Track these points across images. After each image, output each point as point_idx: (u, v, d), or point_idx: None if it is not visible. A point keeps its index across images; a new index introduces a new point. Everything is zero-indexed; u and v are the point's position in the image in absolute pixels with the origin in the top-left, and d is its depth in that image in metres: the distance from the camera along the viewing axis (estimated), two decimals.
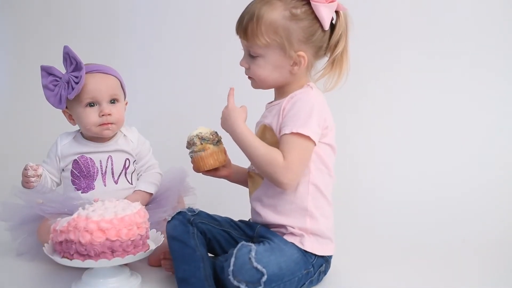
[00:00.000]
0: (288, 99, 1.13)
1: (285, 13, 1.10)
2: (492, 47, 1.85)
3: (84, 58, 1.36)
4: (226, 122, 1.14)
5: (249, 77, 1.19)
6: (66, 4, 2.25)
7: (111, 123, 1.38)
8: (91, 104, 1.36)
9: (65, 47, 1.34)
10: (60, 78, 1.35)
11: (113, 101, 1.38)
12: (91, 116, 1.36)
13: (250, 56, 1.15)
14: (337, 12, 1.13)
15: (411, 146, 1.85)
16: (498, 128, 1.83)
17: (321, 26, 1.12)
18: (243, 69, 1.19)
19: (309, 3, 1.10)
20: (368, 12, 1.90)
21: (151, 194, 1.44)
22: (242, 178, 1.28)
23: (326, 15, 1.10)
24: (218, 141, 1.20)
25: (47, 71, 1.37)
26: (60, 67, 1.37)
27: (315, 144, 1.10)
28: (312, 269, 1.13)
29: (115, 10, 2.20)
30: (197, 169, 1.22)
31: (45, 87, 1.37)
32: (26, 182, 1.34)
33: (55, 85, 1.35)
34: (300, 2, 1.11)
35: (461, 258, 1.34)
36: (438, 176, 1.76)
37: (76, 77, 1.32)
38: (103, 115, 1.36)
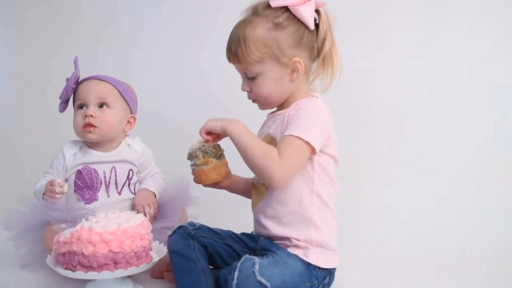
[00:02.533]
0: (293, 106, 1.14)
1: (268, 25, 1.12)
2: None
3: (87, 66, 1.40)
4: (218, 119, 1.12)
5: (254, 100, 1.20)
6: (70, 12, 2.26)
7: (94, 126, 1.37)
8: (81, 106, 1.40)
9: (76, 58, 1.40)
10: None
11: (102, 105, 1.39)
12: (78, 117, 1.39)
13: (249, 79, 1.16)
14: (317, 11, 1.15)
15: (418, 158, 1.83)
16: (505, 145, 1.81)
17: (307, 27, 1.13)
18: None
19: (288, 9, 1.12)
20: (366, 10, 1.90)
21: (155, 194, 1.44)
22: (242, 188, 1.28)
23: (307, 15, 1.12)
24: (221, 155, 1.19)
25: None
26: (66, 73, 1.41)
27: (313, 152, 1.10)
28: (316, 281, 1.11)
29: (117, 17, 2.21)
30: (198, 182, 1.21)
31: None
32: (51, 197, 1.33)
33: None
34: (280, 10, 1.13)
35: (467, 270, 1.34)
36: (444, 189, 1.75)
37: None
38: (85, 116, 1.37)
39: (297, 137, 1.07)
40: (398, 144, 1.85)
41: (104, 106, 1.39)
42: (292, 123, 1.10)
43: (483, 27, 1.82)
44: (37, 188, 1.39)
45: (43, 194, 1.34)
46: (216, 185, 1.23)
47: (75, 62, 1.40)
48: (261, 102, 1.19)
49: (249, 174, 1.21)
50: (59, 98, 1.41)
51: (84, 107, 1.39)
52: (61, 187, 1.32)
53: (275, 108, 1.23)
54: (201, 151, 1.17)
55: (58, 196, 1.32)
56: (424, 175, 1.79)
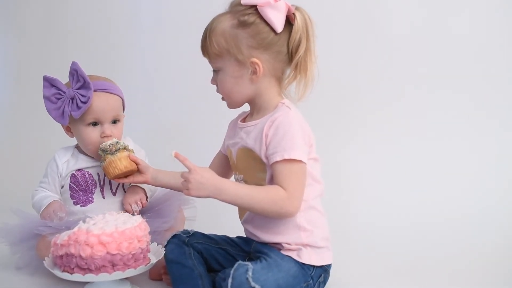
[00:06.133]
0: (268, 123, 1.10)
1: (233, 22, 1.11)
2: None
3: (85, 67, 1.35)
4: (203, 188, 1.05)
5: (222, 99, 1.19)
6: (68, 15, 2.26)
7: None
8: (93, 124, 1.36)
9: (74, 63, 1.31)
10: (64, 93, 1.33)
11: (114, 121, 1.38)
12: (93, 135, 1.36)
13: (215, 73, 1.17)
14: (294, 14, 1.11)
15: (412, 150, 1.85)
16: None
17: (273, 29, 1.11)
18: None
19: (257, 9, 1.10)
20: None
21: (145, 191, 1.42)
22: (165, 182, 1.32)
23: (274, 17, 1.09)
24: (116, 150, 1.28)
25: (50, 82, 1.35)
26: (61, 77, 1.36)
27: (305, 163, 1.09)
28: (311, 281, 1.12)
29: (116, 20, 2.21)
30: (108, 177, 1.33)
31: (47, 98, 1.35)
32: (45, 219, 1.33)
33: (58, 99, 1.34)
34: (249, 9, 1.10)
35: (465, 269, 1.34)
36: (441, 188, 1.76)
37: (83, 96, 1.31)
38: (104, 136, 1.35)
39: (290, 159, 1.06)
40: (395, 144, 1.86)
41: (116, 122, 1.38)
42: (277, 145, 1.07)
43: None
44: (36, 201, 1.39)
45: (41, 211, 1.35)
46: (129, 180, 1.32)
47: (80, 71, 1.30)
48: (226, 100, 1.19)
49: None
50: (74, 116, 1.32)
51: (99, 124, 1.36)
52: (60, 220, 1.32)
53: (243, 115, 1.23)
54: (101, 149, 1.31)
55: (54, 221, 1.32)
56: (420, 174, 1.80)
